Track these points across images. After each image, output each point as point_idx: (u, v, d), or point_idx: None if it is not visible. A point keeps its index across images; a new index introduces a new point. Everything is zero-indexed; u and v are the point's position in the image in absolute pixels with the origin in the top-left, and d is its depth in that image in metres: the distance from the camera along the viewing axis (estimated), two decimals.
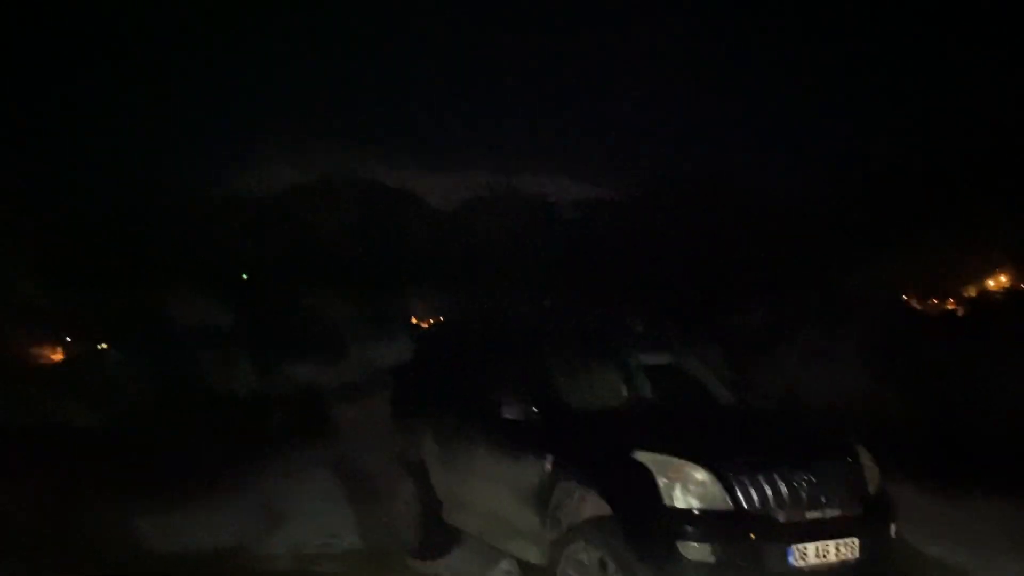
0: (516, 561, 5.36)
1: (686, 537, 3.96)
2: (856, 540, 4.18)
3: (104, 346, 25.69)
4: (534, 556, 4.89)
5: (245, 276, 38.20)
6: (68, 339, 26.13)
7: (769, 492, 4.10)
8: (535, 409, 5.00)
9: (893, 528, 4.47)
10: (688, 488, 4.05)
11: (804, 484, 4.18)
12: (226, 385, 17.45)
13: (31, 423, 12.90)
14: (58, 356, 24.82)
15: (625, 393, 5.45)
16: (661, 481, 4.08)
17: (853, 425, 5.66)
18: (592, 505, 4.40)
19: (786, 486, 4.13)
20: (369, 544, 6.63)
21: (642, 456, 4.19)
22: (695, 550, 3.93)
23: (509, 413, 5.06)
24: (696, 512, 4.02)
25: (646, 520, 4.08)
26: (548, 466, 4.70)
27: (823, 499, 4.20)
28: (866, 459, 4.60)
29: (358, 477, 8.19)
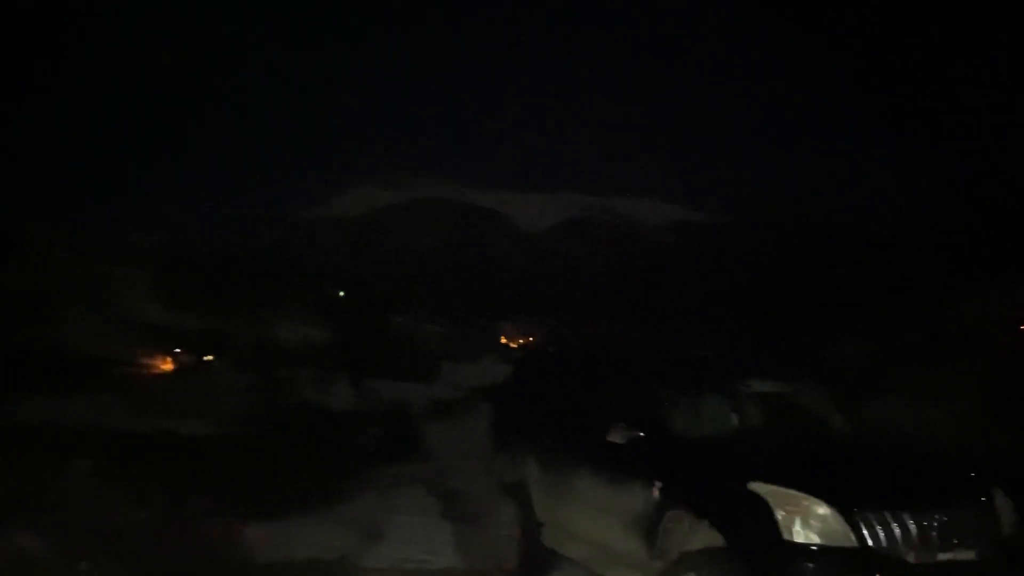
0: None
1: (806, 574, 3.77)
2: None
3: (209, 358, 26.82)
4: None
5: (341, 293, 39.28)
6: (177, 351, 27.31)
7: (897, 531, 3.86)
8: (641, 434, 4.89)
9: None
10: (809, 523, 3.86)
11: (935, 524, 3.92)
12: (323, 399, 17.87)
13: (141, 430, 13.51)
14: (167, 366, 25.97)
15: (735, 421, 5.27)
16: (779, 514, 3.90)
17: (983, 464, 5.30)
18: (703, 535, 4.25)
19: (916, 525, 3.89)
20: (467, 564, 6.59)
21: (759, 487, 4.02)
22: None
23: (613, 437, 4.96)
24: (817, 549, 3.82)
25: (763, 554, 3.91)
26: (655, 493, 4.58)
27: (956, 540, 3.94)
28: (1001, 500, 4.30)
29: (455, 496, 8.21)
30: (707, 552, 4.20)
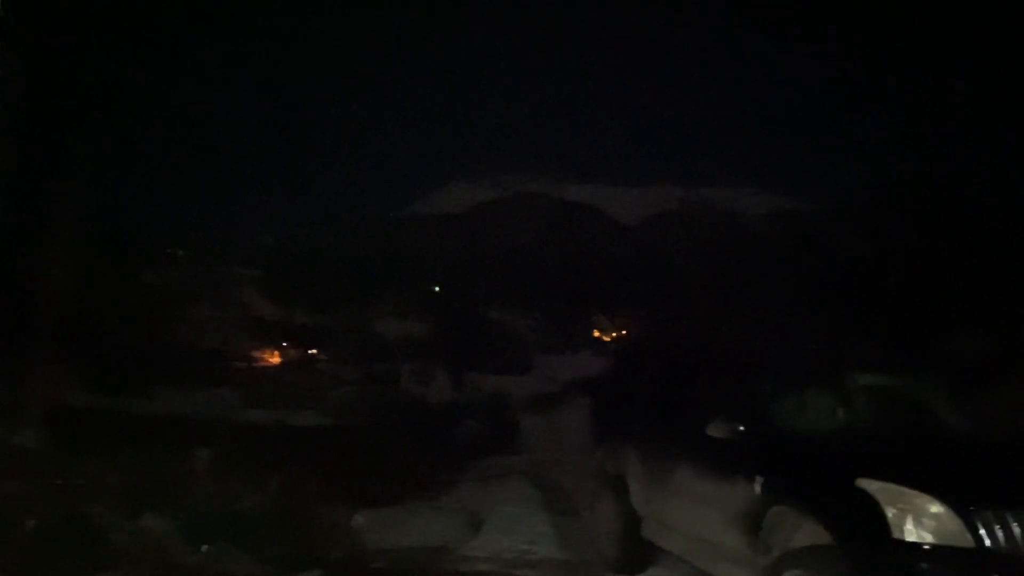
0: None
1: (919, 574, 3.64)
2: None
3: (314, 351, 27.95)
4: None
5: (437, 288, 40.04)
6: (284, 344, 28.56)
7: (1018, 531, 3.68)
8: (742, 428, 4.82)
9: None
10: (921, 521, 3.72)
11: None
12: (424, 392, 18.31)
13: (256, 420, 14.19)
14: (279, 360, 27.16)
15: (842, 414, 5.13)
16: (890, 512, 3.77)
17: None
18: (809, 532, 4.15)
19: None
20: (567, 554, 6.67)
21: (867, 484, 3.91)
22: None
23: (714, 431, 4.91)
24: (930, 548, 3.68)
25: (873, 553, 3.80)
26: (758, 488, 4.51)
27: None
28: None
29: (555, 487, 8.29)
30: (813, 549, 4.10)
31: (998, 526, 3.68)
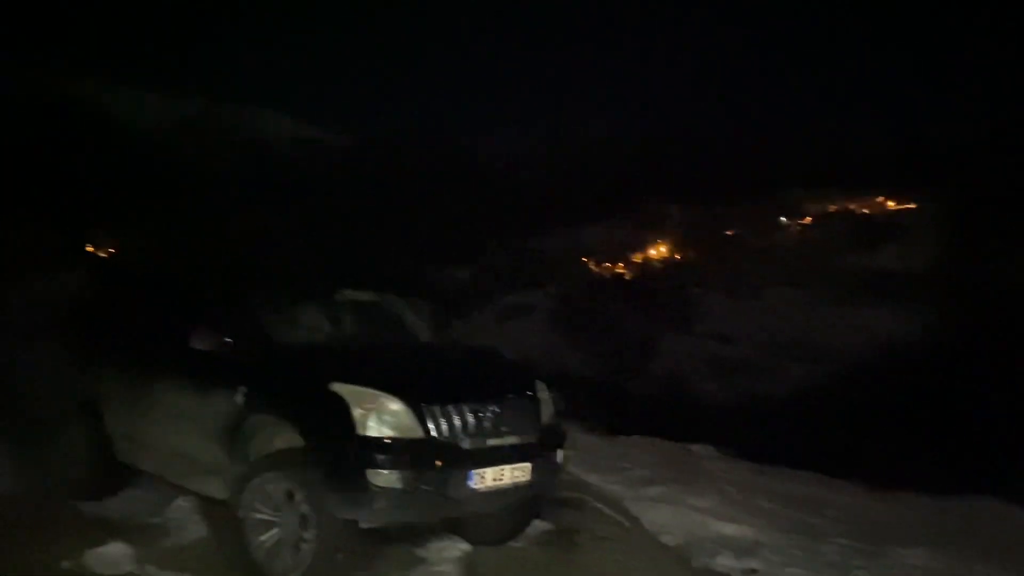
0: (197, 497, 5.12)
1: (376, 465, 4.07)
2: (529, 465, 4.60)
3: None
4: (217, 491, 4.71)
5: None
6: None
7: (457, 422, 4.35)
8: (228, 340, 4.76)
9: (561, 455, 4.98)
10: (382, 418, 4.16)
11: (488, 415, 4.49)
12: None
13: None
14: None
15: (327, 327, 5.42)
16: (356, 411, 4.13)
17: (536, 367, 6.19)
18: (285, 437, 4.35)
19: (472, 417, 4.41)
20: (28, 488, 5.90)
21: (338, 387, 4.21)
22: (384, 477, 4.06)
23: (198, 344, 4.76)
24: (388, 441, 4.14)
25: (338, 449, 4.13)
26: (240, 398, 4.54)
27: (503, 428, 4.56)
28: (543, 394, 5.03)
29: (15, 419, 7.23)
30: (287, 452, 4.31)
31: (442, 419, 4.31)
